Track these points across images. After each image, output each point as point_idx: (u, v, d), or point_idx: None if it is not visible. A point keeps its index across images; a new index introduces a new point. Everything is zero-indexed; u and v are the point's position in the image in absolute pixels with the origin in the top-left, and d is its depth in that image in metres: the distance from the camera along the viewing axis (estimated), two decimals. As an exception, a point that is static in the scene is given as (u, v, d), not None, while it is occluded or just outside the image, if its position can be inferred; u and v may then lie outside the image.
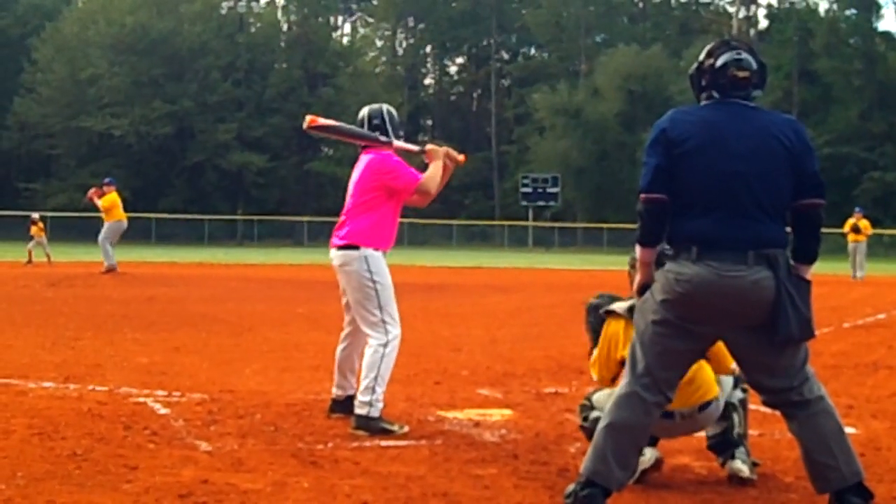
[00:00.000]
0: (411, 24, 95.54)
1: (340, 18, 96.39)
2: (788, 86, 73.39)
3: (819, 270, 5.58)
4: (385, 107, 7.21)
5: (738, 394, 5.53)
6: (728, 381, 5.46)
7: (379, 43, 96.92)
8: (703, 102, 4.98)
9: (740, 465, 5.37)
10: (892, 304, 19.33)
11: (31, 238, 32.03)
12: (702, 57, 5.03)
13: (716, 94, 4.93)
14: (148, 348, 10.81)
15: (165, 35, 70.88)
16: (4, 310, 15.19)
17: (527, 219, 69.52)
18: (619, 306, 5.50)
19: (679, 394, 5.09)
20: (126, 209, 24.92)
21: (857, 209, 31.48)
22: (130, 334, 12.18)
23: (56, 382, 8.22)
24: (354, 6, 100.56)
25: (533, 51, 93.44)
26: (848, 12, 75.94)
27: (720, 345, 5.02)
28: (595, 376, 5.65)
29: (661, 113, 5.20)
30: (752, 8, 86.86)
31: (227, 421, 6.82)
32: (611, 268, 36.44)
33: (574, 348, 11.22)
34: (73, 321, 13.60)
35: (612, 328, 5.48)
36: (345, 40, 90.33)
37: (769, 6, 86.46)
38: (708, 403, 5.33)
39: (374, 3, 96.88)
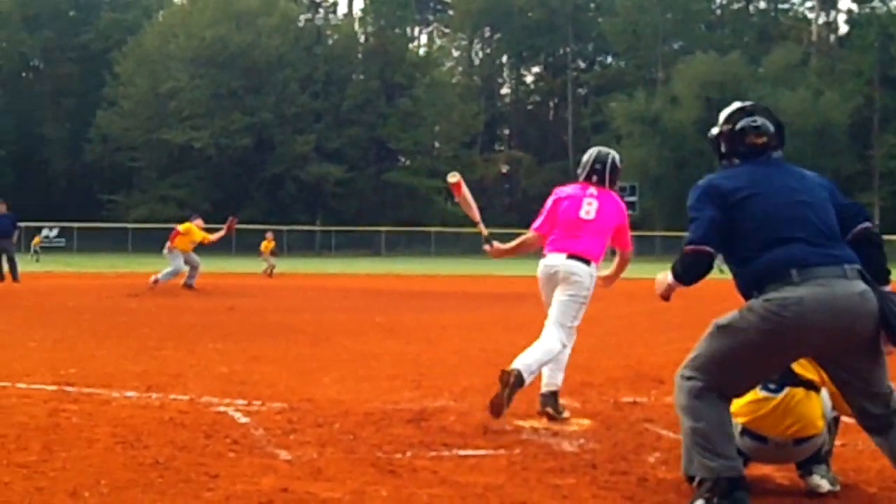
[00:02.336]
0: (487, 33, 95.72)
1: (417, 29, 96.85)
2: (869, 91, 72.37)
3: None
4: (612, 155, 7.63)
5: (832, 412, 5.42)
6: (826, 397, 5.31)
7: (455, 53, 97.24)
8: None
9: (818, 481, 5.26)
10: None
11: (261, 253, 33.79)
12: (720, 121, 5.13)
13: (736, 161, 5.04)
14: (228, 358, 10.87)
15: (244, 48, 71.63)
16: (88, 321, 15.38)
17: (605, 227, 68.96)
18: None
19: (773, 422, 5.07)
20: (206, 220, 25.23)
21: None
22: (211, 344, 12.26)
23: (138, 392, 8.29)
24: (431, 17, 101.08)
25: (609, 59, 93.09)
26: (931, 16, 74.70)
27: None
28: None
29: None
30: (832, 13, 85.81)
31: (306, 430, 6.82)
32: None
33: (652, 357, 11.13)
34: (154, 331, 13.73)
35: None
36: (421, 51, 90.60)
37: (850, 11, 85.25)
38: (807, 438, 5.19)
39: (451, 13, 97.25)
